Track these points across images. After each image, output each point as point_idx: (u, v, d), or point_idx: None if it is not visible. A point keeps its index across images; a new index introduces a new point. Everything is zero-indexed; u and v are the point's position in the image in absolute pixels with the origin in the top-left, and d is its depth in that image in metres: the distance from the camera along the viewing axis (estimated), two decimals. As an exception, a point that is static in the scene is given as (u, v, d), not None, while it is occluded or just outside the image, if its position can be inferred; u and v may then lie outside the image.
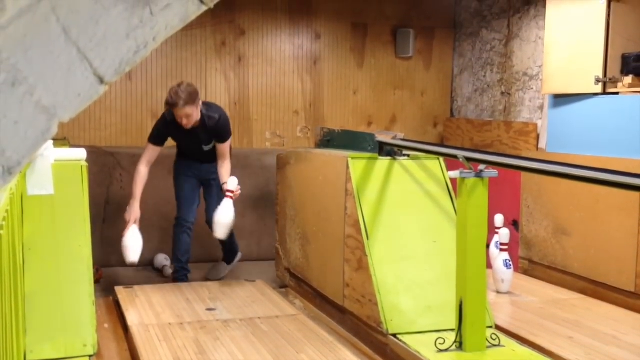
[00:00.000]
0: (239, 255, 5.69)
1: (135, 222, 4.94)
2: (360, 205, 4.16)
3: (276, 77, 6.91)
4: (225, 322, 4.30)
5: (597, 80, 5.15)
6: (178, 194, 5.35)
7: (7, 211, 2.41)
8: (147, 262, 5.79)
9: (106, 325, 4.42)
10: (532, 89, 6.30)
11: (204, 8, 1.33)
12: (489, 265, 4.76)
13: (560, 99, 5.63)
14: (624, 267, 4.78)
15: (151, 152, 5.12)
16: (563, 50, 5.49)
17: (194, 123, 4.99)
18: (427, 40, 7.35)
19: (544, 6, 5.81)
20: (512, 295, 4.99)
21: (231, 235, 5.36)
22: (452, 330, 3.69)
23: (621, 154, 4.89)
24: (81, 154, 3.78)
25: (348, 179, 4.27)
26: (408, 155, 4.43)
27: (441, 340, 3.62)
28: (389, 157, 4.38)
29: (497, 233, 5.14)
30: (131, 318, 4.33)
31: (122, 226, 5.03)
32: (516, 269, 5.47)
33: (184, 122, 4.95)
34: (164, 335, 4.02)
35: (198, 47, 6.62)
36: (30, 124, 1.25)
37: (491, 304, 4.21)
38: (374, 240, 4.08)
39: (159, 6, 1.28)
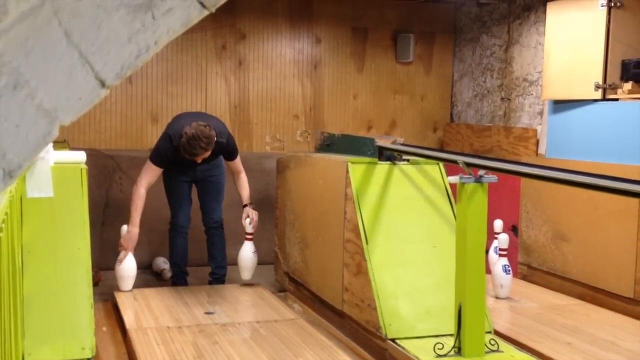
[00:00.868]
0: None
1: (131, 250, 4.88)
2: (360, 209, 4.16)
3: (276, 81, 6.91)
4: (223, 326, 4.30)
5: (597, 87, 5.15)
6: (171, 199, 5.30)
7: (6, 213, 2.41)
8: (145, 266, 5.79)
9: (104, 328, 4.42)
10: (531, 94, 6.31)
11: (206, 12, 1.33)
12: (488, 271, 4.76)
13: (560, 105, 5.64)
14: (623, 273, 4.78)
15: (153, 174, 5.00)
16: (563, 56, 5.50)
17: None
18: (427, 45, 7.36)
19: (544, 12, 5.82)
20: (511, 300, 4.99)
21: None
22: (451, 335, 3.69)
23: (620, 160, 4.89)
24: (81, 156, 3.78)
25: (347, 183, 4.27)
26: (408, 160, 4.43)
27: (440, 345, 3.61)
28: (388, 162, 4.38)
29: (496, 238, 5.14)
30: (129, 321, 4.32)
31: (120, 227, 5.03)
32: (515, 275, 5.47)
33: (198, 160, 4.94)
34: (162, 339, 4.02)
35: (198, 50, 6.63)
36: (32, 127, 1.25)
37: (490, 309, 4.21)
38: (373, 245, 4.08)
39: (160, 10, 1.28)
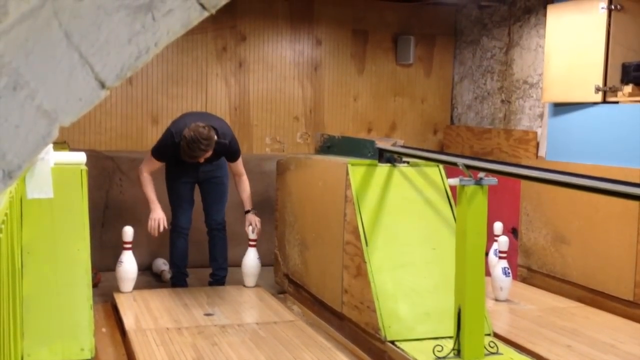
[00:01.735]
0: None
1: (164, 225, 5.09)
2: (360, 211, 4.16)
3: (276, 83, 6.92)
4: (223, 328, 4.29)
5: (597, 89, 5.15)
6: (172, 200, 5.31)
7: (6, 214, 2.41)
8: (145, 267, 5.78)
9: (104, 330, 4.42)
10: (532, 97, 6.31)
11: (206, 14, 1.33)
12: (488, 273, 4.75)
13: (560, 108, 5.64)
14: (623, 276, 4.78)
15: (153, 165, 5.16)
16: (563, 59, 5.50)
17: None
18: (428, 48, 7.36)
19: (545, 15, 5.82)
20: (511, 303, 4.99)
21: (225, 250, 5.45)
22: (451, 337, 3.69)
23: (621, 163, 4.89)
24: (81, 157, 3.78)
25: (347, 185, 4.27)
26: (408, 162, 4.43)
27: (439, 348, 3.61)
28: (388, 164, 4.38)
29: (496, 241, 5.14)
30: (129, 322, 4.32)
31: (121, 227, 5.04)
32: (515, 277, 5.47)
33: (200, 161, 4.98)
34: (162, 340, 4.01)
35: (199, 52, 6.63)
36: (31, 128, 1.25)
37: (489, 311, 4.21)
38: (373, 247, 4.08)
39: (161, 12, 1.28)
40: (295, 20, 6.93)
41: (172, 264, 5.41)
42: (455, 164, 3.72)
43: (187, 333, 4.16)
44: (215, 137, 4.82)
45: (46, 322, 3.41)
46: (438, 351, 3.60)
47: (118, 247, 5.10)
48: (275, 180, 5.66)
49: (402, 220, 4.23)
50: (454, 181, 3.60)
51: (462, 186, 3.55)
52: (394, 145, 4.53)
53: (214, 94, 6.72)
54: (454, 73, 7.46)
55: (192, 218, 5.36)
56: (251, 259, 5.28)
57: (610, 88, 5.12)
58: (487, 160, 4.35)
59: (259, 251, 5.35)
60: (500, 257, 5.01)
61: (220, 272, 5.42)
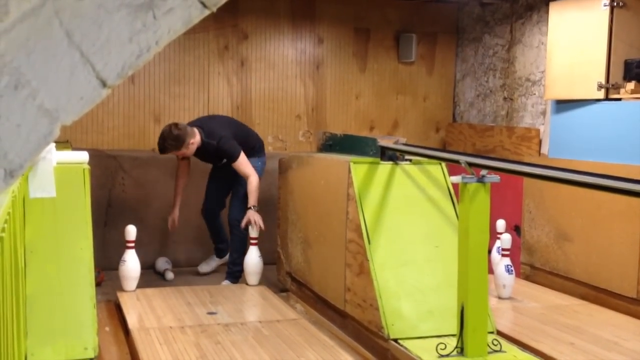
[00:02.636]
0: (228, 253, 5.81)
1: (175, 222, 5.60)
2: (362, 209, 4.16)
3: (278, 82, 6.91)
4: (226, 326, 4.30)
5: (600, 86, 5.14)
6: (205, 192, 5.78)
7: (9, 213, 2.41)
8: (148, 266, 5.79)
9: (107, 328, 4.42)
10: (534, 94, 6.30)
11: (207, 12, 1.33)
12: (491, 271, 4.75)
13: (563, 105, 5.63)
14: (626, 273, 4.77)
15: (181, 162, 5.65)
16: (565, 56, 5.49)
17: (197, 148, 5.32)
18: (430, 46, 7.35)
19: (547, 12, 5.81)
20: (514, 300, 4.98)
21: (222, 231, 5.79)
22: (454, 335, 3.68)
23: (623, 160, 4.88)
24: (83, 156, 3.78)
25: (350, 183, 4.27)
26: (410, 160, 4.43)
27: (442, 346, 3.61)
28: (390, 162, 4.38)
29: (498, 238, 5.14)
30: (132, 321, 4.33)
31: (124, 226, 5.05)
32: (518, 275, 5.46)
33: (180, 157, 5.45)
34: (165, 339, 4.02)
35: (201, 51, 6.63)
36: (33, 127, 1.25)
37: (493, 309, 4.20)
38: (376, 245, 4.08)
39: (161, 10, 1.28)
40: (297, 18, 6.92)
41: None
42: (457, 162, 3.71)
43: (191, 332, 4.16)
44: (178, 135, 5.16)
45: (49, 321, 3.41)
46: (441, 349, 3.60)
47: (121, 246, 5.10)
48: (277, 178, 5.66)
49: (404, 218, 4.23)
50: (457, 179, 3.59)
51: (465, 184, 3.55)
52: (396, 143, 4.53)
53: (215, 92, 6.72)
54: (456, 71, 7.45)
55: (210, 207, 5.73)
56: (253, 257, 5.29)
57: (612, 85, 5.11)
58: (490, 157, 4.34)
59: (261, 249, 5.36)
60: (503, 255, 5.00)
61: (232, 267, 5.53)
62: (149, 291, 5.03)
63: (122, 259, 4.97)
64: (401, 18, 7.22)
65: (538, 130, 6.11)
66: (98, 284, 4.87)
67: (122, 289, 4.99)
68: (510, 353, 3.72)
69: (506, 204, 5.77)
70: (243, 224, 5.28)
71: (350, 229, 4.27)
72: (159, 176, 6.06)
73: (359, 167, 4.29)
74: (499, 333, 4.04)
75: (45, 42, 1.24)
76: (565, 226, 5.35)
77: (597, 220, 5.05)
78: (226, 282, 5.46)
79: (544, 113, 6.15)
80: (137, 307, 4.65)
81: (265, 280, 5.48)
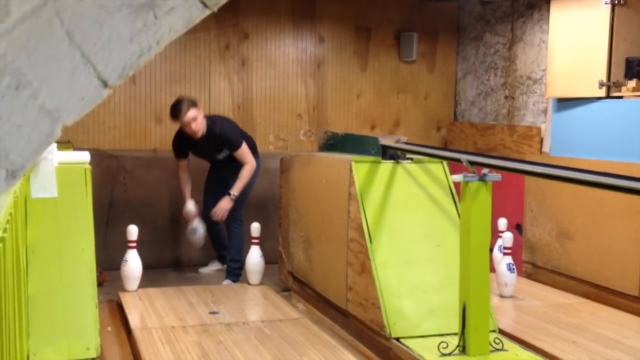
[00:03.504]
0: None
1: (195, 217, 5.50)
2: (364, 208, 4.16)
3: (280, 81, 6.91)
4: (228, 326, 4.30)
5: (601, 84, 5.14)
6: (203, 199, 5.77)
7: (10, 214, 2.42)
8: (150, 265, 5.79)
9: (109, 328, 4.43)
10: (535, 92, 6.29)
11: (208, 12, 1.33)
12: (492, 269, 4.75)
13: (564, 103, 5.63)
14: (628, 271, 4.77)
15: (180, 164, 5.59)
16: (567, 54, 5.49)
17: (202, 132, 5.29)
18: (431, 44, 7.35)
19: (548, 10, 5.81)
20: (516, 299, 4.98)
21: (222, 236, 5.79)
22: (456, 334, 3.68)
23: (625, 158, 4.88)
24: (85, 156, 3.78)
25: (351, 182, 4.27)
26: (411, 159, 4.43)
27: (444, 344, 3.61)
28: (392, 161, 4.38)
29: (500, 237, 5.14)
30: (134, 321, 4.33)
31: (125, 225, 5.06)
32: (519, 273, 5.46)
33: (193, 127, 5.26)
34: (167, 339, 4.02)
35: (202, 50, 6.63)
36: (34, 127, 1.25)
37: (494, 308, 4.20)
38: (377, 244, 4.08)
39: (162, 10, 1.28)
40: (297, 17, 6.92)
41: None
42: (459, 160, 3.71)
43: (193, 331, 4.16)
44: (190, 113, 5.23)
45: (51, 321, 3.41)
46: (443, 348, 3.60)
47: (123, 245, 5.11)
48: (279, 177, 5.66)
49: (406, 217, 4.23)
50: (458, 177, 3.59)
51: (466, 182, 3.54)
52: (397, 142, 4.53)
53: (217, 92, 6.72)
54: (457, 69, 7.45)
55: (208, 213, 5.59)
56: (255, 256, 5.29)
57: (614, 83, 5.11)
58: (491, 156, 4.34)
59: (263, 249, 5.36)
60: (504, 253, 5.00)
61: (232, 264, 5.57)
62: (151, 291, 5.04)
63: (124, 258, 4.98)
64: (402, 17, 7.21)
65: (539, 129, 6.11)
66: (100, 284, 4.88)
67: (124, 289, 5.00)
68: (512, 351, 3.72)
69: (508, 203, 5.77)
70: (214, 211, 5.38)
71: (351, 228, 4.27)
72: (161, 176, 6.06)
73: (360, 166, 4.29)
74: (501, 331, 4.04)
75: (46, 42, 1.24)
76: (567, 224, 5.35)
77: (598, 218, 5.04)
78: (227, 282, 5.47)
79: (545, 111, 6.14)
80: (139, 306, 4.66)
81: (267, 279, 5.48)
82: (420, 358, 3.60)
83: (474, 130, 6.91)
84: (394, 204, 4.24)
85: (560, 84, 5.58)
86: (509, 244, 5.00)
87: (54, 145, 3.40)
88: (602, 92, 5.17)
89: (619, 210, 4.85)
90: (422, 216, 4.26)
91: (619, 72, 5.10)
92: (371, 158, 4.40)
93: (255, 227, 5.33)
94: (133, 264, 4.96)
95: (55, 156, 3.46)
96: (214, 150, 5.48)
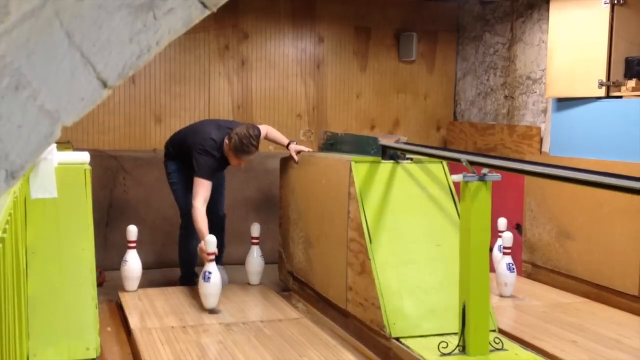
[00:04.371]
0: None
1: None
2: (363, 208, 4.16)
3: (279, 81, 6.91)
4: (227, 326, 4.30)
5: (601, 84, 5.14)
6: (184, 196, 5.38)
7: (10, 214, 2.42)
8: (150, 266, 5.79)
9: (109, 329, 4.43)
10: (535, 92, 6.30)
11: (207, 12, 1.33)
12: (492, 269, 4.75)
13: (564, 103, 5.63)
14: (628, 271, 4.77)
15: (207, 189, 4.89)
16: (566, 54, 5.49)
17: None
18: (430, 44, 7.35)
19: (547, 10, 5.81)
20: (516, 299, 4.98)
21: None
22: (455, 334, 3.68)
23: (625, 158, 4.88)
24: (84, 157, 3.78)
25: (351, 182, 4.27)
26: (411, 159, 4.43)
27: (444, 344, 3.61)
28: (392, 161, 4.38)
29: (500, 237, 5.14)
30: (134, 321, 4.33)
31: (125, 226, 5.06)
32: (519, 273, 5.46)
33: (242, 165, 5.07)
34: (167, 339, 4.02)
35: (201, 50, 6.63)
36: (34, 127, 1.25)
37: (494, 307, 4.20)
38: (377, 244, 4.08)
39: (162, 10, 1.28)
40: (297, 17, 6.92)
41: (184, 264, 5.43)
42: (458, 160, 3.71)
43: (192, 331, 4.16)
44: (259, 136, 4.96)
45: (51, 321, 3.41)
46: (443, 347, 3.60)
47: (122, 246, 5.11)
48: (278, 178, 5.66)
49: (405, 217, 4.23)
50: (458, 177, 3.59)
51: (466, 182, 3.54)
52: (397, 142, 4.53)
53: (216, 92, 6.72)
54: (457, 69, 7.45)
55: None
56: (254, 256, 5.30)
57: (613, 83, 5.11)
58: (491, 156, 4.34)
59: (262, 249, 5.36)
60: (504, 253, 5.00)
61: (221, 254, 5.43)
62: (151, 291, 5.04)
63: (124, 259, 4.98)
64: (401, 17, 7.22)
65: (539, 129, 6.11)
66: (100, 284, 4.88)
67: (123, 289, 5.00)
68: (512, 351, 3.72)
69: (507, 202, 5.77)
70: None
71: (351, 228, 4.27)
72: (160, 176, 6.05)
73: (360, 166, 4.29)
74: (501, 331, 4.04)
75: (46, 43, 1.24)
76: (567, 224, 5.35)
77: (598, 218, 5.04)
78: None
79: (545, 111, 6.15)
80: (138, 307, 4.66)
81: (266, 279, 5.48)
82: (420, 358, 3.60)
83: (474, 130, 6.91)
84: (394, 204, 4.24)
85: (559, 84, 5.58)
86: (509, 243, 5.00)
87: (54, 145, 3.40)
88: (602, 92, 5.17)
89: (619, 210, 4.85)
90: (422, 216, 4.26)
91: (618, 72, 5.10)
92: (371, 158, 4.40)
93: (255, 227, 5.34)
94: (133, 264, 4.96)
95: (55, 157, 3.46)
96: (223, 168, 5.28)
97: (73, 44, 1.25)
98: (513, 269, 4.97)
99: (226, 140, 4.93)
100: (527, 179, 5.62)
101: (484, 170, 3.56)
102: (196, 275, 5.41)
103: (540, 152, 6.01)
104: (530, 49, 6.35)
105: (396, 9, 7.19)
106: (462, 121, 7.29)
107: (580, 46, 5.35)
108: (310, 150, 5.29)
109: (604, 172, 3.00)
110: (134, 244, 4.99)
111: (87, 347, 3.46)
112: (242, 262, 5.42)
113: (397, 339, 3.83)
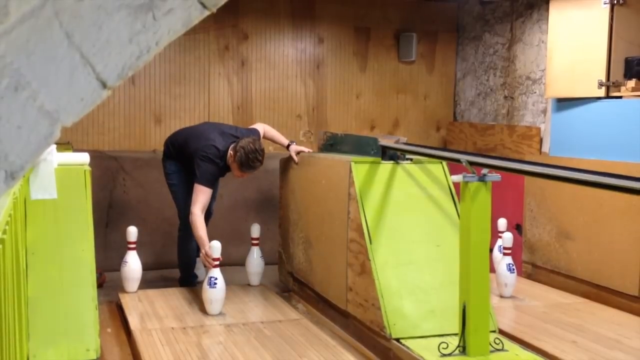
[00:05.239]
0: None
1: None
2: (363, 209, 4.16)
3: (279, 81, 6.91)
4: (228, 327, 4.30)
5: (600, 84, 5.14)
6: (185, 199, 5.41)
7: (10, 215, 2.42)
8: (150, 267, 5.79)
9: (109, 330, 4.42)
10: (535, 92, 6.29)
11: (207, 13, 1.33)
12: (492, 270, 4.75)
13: (564, 103, 5.63)
14: (628, 271, 4.77)
15: (207, 197, 4.88)
16: (566, 54, 5.49)
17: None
18: (430, 44, 7.35)
19: (547, 10, 5.81)
20: (516, 299, 4.98)
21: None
22: (456, 334, 3.68)
23: (624, 158, 4.88)
24: (84, 158, 3.78)
25: (351, 183, 4.27)
26: (411, 159, 4.43)
27: (444, 345, 3.61)
28: (391, 161, 4.38)
29: (500, 237, 5.14)
30: (134, 322, 4.33)
31: (125, 227, 5.05)
32: (519, 273, 5.46)
33: (245, 177, 5.12)
34: (167, 340, 4.02)
35: (201, 51, 6.63)
36: (33, 128, 1.25)
37: (494, 308, 4.20)
38: (377, 245, 4.08)
39: (161, 11, 1.28)
40: (297, 18, 6.92)
41: (185, 266, 5.44)
42: (458, 161, 3.71)
43: (192, 332, 4.16)
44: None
45: (51, 323, 3.41)
46: (443, 348, 3.60)
47: (122, 247, 5.11)
48: (278, 178, 5.66)
49: (405, 217, 4.23)
50: (458, 178, 3.59)
51: (466, 183, 3.54)
52: (397, 142, 4.53)
53: (216, 93, 6.72)
54: (457, 69, 7.45)
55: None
56: (255, 257, 5.30)
57: (613, 83, 5.11)
58: (491, 156, 4.34)
59: (262, 250, 5.36)
60: (504, 254, 5.00)
61: None
62: (151, 292, 5.04)
63: (124, 260, 4.98)
64: (401, 17, 7.22)
65: (539, 129, 6.11)
66: (100, 285, 4.87)
67: (123, 290, 5.00)
68: (512, 352, 3.71)
69: (507, 203, 5.77)
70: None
71: (351, 229, 4.27)
72: (160, 177, 6.04)
73: (360, 167, 4.28)
74: (501, 332, 4.04)
75: (45, 43, 1.24)
76: (567, 224, 5.35)
77: (598, 218, 5.04)
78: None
79: (544, 111, 6.15)
80: (138, 308, 4.66)
81: (266, 280, 5.48)
82: (421, 359, 3.59)
83: (474, 131, 6.91)
84: (394, 204, 4.24)
85: (559, 84, 5.58)
86: (509, 244, 5.00)
87: (54, 146, 3.40)
88: (602, 92, 5.17)
89: (618, 210, 4.85)
90: (422, 216, 4.26)
91: (618, 72, 5.10)
92: (371, 159, 4.40)
93: (255, 228, 5.34)
94: (133, 265, 4.96)
95: (54, 157, 3.46)
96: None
97: (73, 44, 1.25)
98: (513, 269, 4.97)
99: (231, 152, 4.89)
100: (527, 179, 5.62)
101: (484, 171, 3.56)
102: (196, 276, 5.44)
103: (540, 152, 6.01)
104: (530, 49, 6.35)
105: (396, 9, 7.19)
106: (462, 121, 7.29)
107: (580, 46, 5.35)
108: (310, 150, 5.29)
109: (603, 172, 3.00)
110: (134, 245, 4.99)
111: (87, 348, 3.46)
112: (242, 263, 5.42)
113: (397, 339, 3.82)
